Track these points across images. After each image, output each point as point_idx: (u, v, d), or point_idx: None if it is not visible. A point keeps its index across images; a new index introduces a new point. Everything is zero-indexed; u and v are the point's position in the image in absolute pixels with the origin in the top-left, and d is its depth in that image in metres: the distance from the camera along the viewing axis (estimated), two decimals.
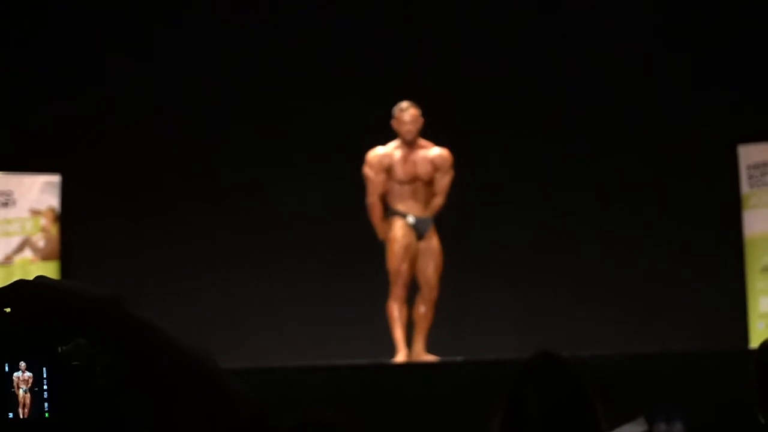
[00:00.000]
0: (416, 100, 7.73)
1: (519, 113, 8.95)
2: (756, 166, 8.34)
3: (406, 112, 7.31)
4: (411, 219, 7.27)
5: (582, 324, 8.47)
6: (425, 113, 7.58)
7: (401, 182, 7.31)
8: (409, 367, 6.94)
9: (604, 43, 8.93)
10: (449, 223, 8.84)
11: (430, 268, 7.34)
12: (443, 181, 7.40)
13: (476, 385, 5.75)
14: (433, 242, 7.36)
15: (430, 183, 7.38)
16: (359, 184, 7.53)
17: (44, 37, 8.95)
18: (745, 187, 8.34)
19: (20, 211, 8.40)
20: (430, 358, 7.19)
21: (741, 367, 2.90)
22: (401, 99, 7.80)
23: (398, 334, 7.24)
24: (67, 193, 8.52)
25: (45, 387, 0.95)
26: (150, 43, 8.99)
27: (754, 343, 7.97)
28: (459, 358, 7.23)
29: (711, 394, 5.71)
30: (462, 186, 8.87)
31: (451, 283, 8.79)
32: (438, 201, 7.40)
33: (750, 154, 8.39)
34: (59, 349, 0.95)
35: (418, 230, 7.30)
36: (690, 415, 5.55)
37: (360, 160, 7.48)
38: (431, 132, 8.26)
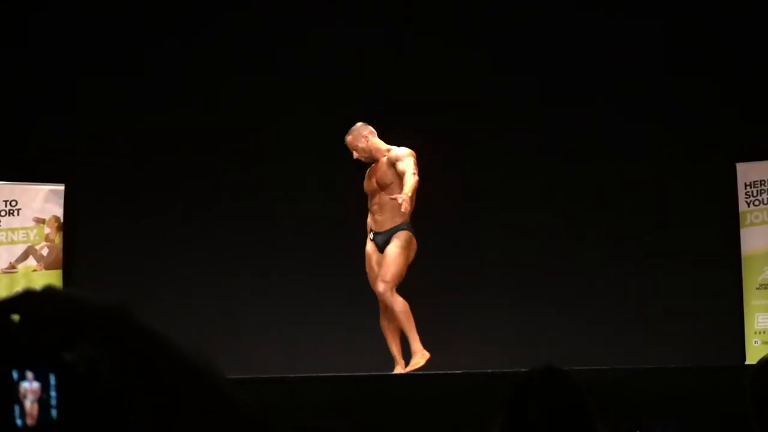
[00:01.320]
0: (418, 105, 7.69)
1: (516, 125, 8.98)
2: (753, 184, 8.40)
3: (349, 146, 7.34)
4: (370, 235, 7.31)
5: (578, 339, 8.49)
6: (424, 119, 7.55)
7: (368, 197, 7.36)
8: (407, 378, 6.97)
9: (603, 60, 8.98)
10: (443, 233, 8.88)
11: (378, 278, 7.24)
12: (404, 164, 7.13)
13: (473, 397, 5.79)
14: (388, 251, 7.20)
15: (385, 187, 7.24)
16: (361, 190, 7.56)
17: (46, 47, 8.99)
18: (742, 204, 8.40)
19: (24, 219, 8.43)
20: (424, 357, 7.14)
21: (737, 383, 2.94)
22: (397, 102, 7.80)
23: (393, 348, 7.25)
24: (70, 202, 8.56)
25: (52, 394, 0.96)
26: (151, 52, 9.03)
27: (751, 359, 8.01)
28: (457, 371, 7.26)
29: (707, 409, 5.75)
30: (459, 197, 8.92)
31: (447, 297, 8.83)
32: (408, 180, 6.98)
33: (747, 172, 8.44)
34: (65, 356, 0.97)
35: (377, 244, 7.29)
36: (686, 430, 5.58)
37: (360, 166, 7.53)
38: (428, 136, 8.31)
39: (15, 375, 0.97)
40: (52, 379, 0.97)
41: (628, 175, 8.89)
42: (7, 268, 8.39)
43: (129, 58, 9.01)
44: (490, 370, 6.80)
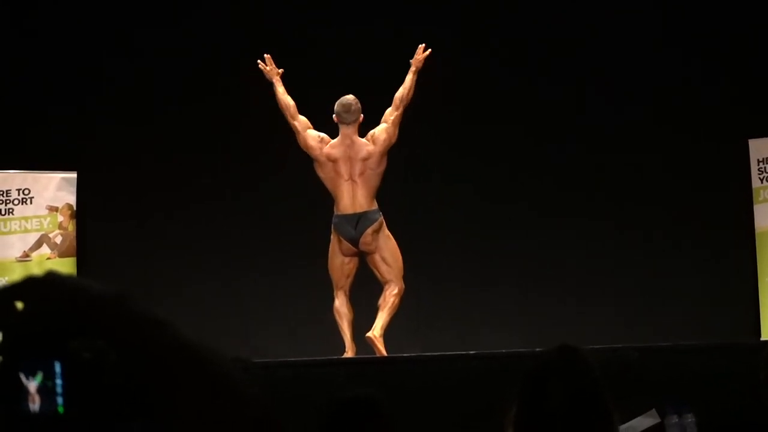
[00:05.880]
0: (430, 103, 7.67)
1: (526, 110, 8.96)
2: (766, 160, 8.36)
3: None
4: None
5: (591, 318, 8.49)
6: (426, 105, 7.55)
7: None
8: (420, 360, 6.97)
9: (611, 37, 8.94)
10: (452, 218, 8.88)
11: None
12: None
13: (489, 378, 5.79)
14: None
15: None
16: None
17: (60, 36, 8.99)
18: (755, 180, 8.37)
19: (37, 208, 8.45)
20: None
21: (752, 360, 2.94)
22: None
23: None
24: (83, 189, 8.58)
25: (57, 382, 0.95)
26: (166, 41, 9.03)
27: (766, 335, 8.00)
28: (471, 351, 7.27)
29: (722, 387, 5.74)
30: (468, 181, 8.91)
31: (459, 280, 8.84)
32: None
33: (760, 148, 8.41)
34: (70, 344, 0.96)
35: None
36: (701, 407, 5.57)
37: None
38: (426, 124, 8.25)
39: (19, 363, 0.96)
40: (57, 367, 0.96)
41: (641, 153, 8.86)
42: (21, 257, 8.42)
43: (143, 46, 9.00)
44: (504, 351, 6.80)
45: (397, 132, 7.25)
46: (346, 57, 8.90)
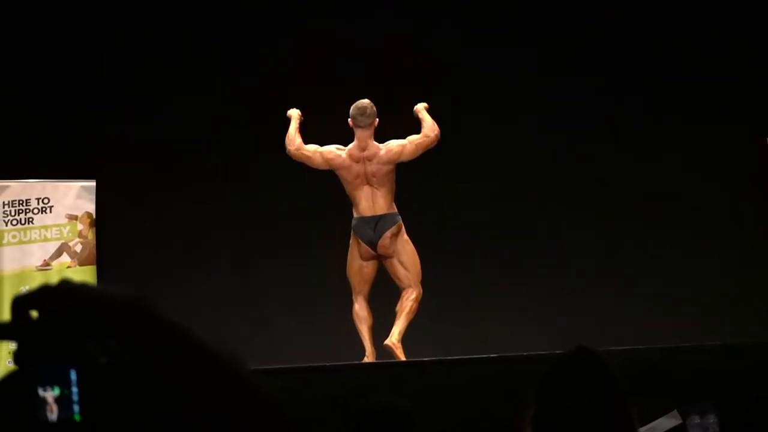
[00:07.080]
0: (427, 92, 7.71)
1: (543, 105, 8.95)
2: None
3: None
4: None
5: (613, 319, 8.47)
6: (437, 106, 7.58)
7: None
8: (440, 363, 6.97)
9: (630, 35, 8.93)
10: (470, 221, 8.87)
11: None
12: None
13: (507, 381, 5.78)
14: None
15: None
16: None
17: (76, 44, 9.03)
18: None
19: (57, 216, 8.48)
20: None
21: None
22: (410, 91, 7.77)
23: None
24: (102, 197, 8.61)
25: (74, 389, 0.95)
26: (183, 48, 9.06)
27: None
28: (492, 354, 7.25)
29: (744, 387, 5.72)
30: (489, 182, 8.91)
31: (480, 282, 8.83)
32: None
33: None
34: (86, 350, 0.95)
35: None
36: (723, 407, 5.55)
37: None
38: (450, 124, 8.24)
39: (35, 371, 0.95)
40: (73, 375, 0.95)
41: (659, 152, 8.84)
42: (41, 266, 8.44)
43: (160, 55, 9.04)
44: (523, 353, 6.79)
45: (414, 154, 7.20)
46: (345, 57, 8.93)
